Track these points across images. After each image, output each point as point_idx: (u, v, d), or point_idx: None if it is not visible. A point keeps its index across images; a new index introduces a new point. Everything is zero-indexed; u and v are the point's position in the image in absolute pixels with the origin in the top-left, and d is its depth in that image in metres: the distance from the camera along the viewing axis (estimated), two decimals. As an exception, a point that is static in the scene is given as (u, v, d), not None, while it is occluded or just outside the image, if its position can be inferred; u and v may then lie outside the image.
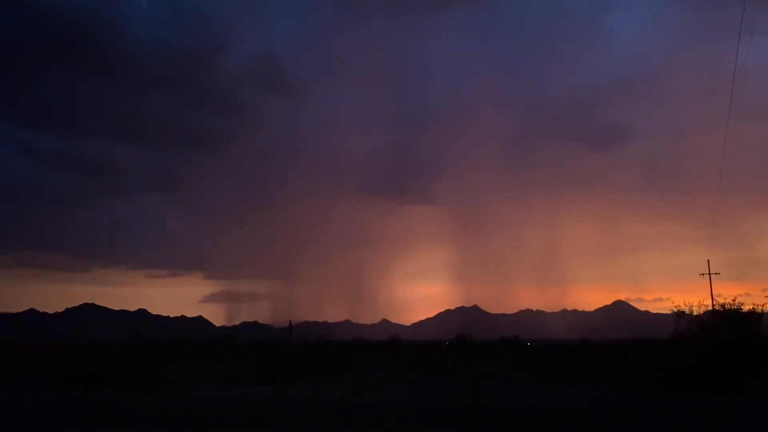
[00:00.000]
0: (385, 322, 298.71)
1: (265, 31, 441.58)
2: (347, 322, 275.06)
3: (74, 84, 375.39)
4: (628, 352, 39.25)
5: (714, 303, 28.52)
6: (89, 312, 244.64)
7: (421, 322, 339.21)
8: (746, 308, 26.00)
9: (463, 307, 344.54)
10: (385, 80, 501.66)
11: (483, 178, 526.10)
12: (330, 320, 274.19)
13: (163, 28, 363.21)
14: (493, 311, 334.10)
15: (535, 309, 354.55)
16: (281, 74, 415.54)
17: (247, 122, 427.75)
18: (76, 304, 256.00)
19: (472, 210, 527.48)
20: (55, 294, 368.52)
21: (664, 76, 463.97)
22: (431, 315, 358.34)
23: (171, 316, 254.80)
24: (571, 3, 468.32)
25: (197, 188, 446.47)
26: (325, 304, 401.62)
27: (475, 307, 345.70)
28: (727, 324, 25.84)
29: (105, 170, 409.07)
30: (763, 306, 25.75)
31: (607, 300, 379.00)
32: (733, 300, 26.41)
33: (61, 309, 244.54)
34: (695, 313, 27.51)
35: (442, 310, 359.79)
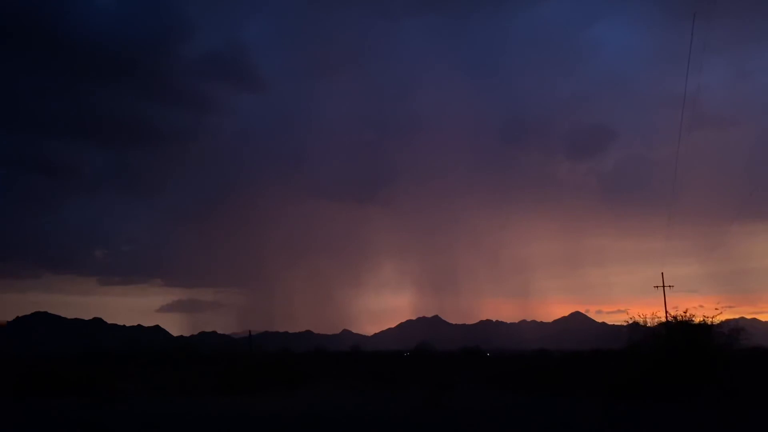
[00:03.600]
0: (346, 333, 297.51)
1: (230, 21, 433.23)
2: (308, 333, 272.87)
3: (22, 75, 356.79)
4: (584, 362, 39.88)
5: (667, 315, 29.30)
6: (42, 321, 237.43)
7: (382, 332, 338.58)
8: (697, 320, 26.80)
9: (424, 317, 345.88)
10: (359, 80, 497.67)
11: (450, 187, 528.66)
12: (291, 330, 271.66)
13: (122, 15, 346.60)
14: (453, 321, 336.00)
15: (494, 319, 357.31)
16: (248, 70, 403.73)
17: (212, 119, 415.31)
18: (28, 313, 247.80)
19: (434, 220, 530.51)
20: (3, 302, 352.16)
21: (635, 87, 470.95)
22: (392, 325, 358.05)
23: (127, 325, 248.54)
24: (548, 16, 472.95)
25: (155, 189, 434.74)
26: (286, 314, 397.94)
27: (436, 318, 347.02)
28: (678, 335, 26.57)
29: (55, 169, 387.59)
30: (713, 318, 26.59)
31: (566, 311, 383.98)
32: (685, 312, 27.23)
33: (10, 318, 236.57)
34: (649, 325, 28.25)
35: (404, 320, 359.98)
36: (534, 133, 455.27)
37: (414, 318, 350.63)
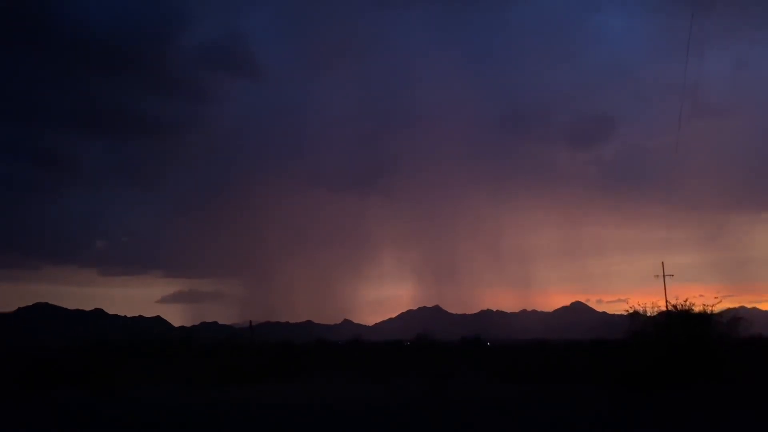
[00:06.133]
0: (347, 323, 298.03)
1: (230, 11, 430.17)
2: (309, 323, 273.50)
3: (19, 65, 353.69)
4: (584, 352, 39.96)
5: (667, 304, 29.26)
6: (43, 312, 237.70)
7: (383, 322, 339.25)
8: (697, 309, 26.78)
9: (424, 307, 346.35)
10: (358, 71, 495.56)
11: (449, 178, 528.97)
12: (291, 321, 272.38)
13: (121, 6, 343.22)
14: (454, 311, 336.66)
15: (495, 309, 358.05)
16: (247, 59, 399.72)
17: (212, 110, 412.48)
18: (29, 304, 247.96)
19: (435, 210, 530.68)
20: (4, 293, 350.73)
21: (636, 76, 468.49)
22: (393, 315, 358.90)
23: (128, 315, 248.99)
24: (551, 3, 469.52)
25: (156, 180, 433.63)
26: (286, 305, 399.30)
27: (436, 307, 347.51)
28: (678, 324, 26.56)
29: (54, 160, 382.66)
30: (712, 307, 26.55)
31: (566, 301, 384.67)
32: (684, 301, 27.20)
33: (12, 309, 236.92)
34: (649, 314, 28.21)
35: (404, 310, 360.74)
36: (534, 122, 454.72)
37: (414, 308, 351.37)
